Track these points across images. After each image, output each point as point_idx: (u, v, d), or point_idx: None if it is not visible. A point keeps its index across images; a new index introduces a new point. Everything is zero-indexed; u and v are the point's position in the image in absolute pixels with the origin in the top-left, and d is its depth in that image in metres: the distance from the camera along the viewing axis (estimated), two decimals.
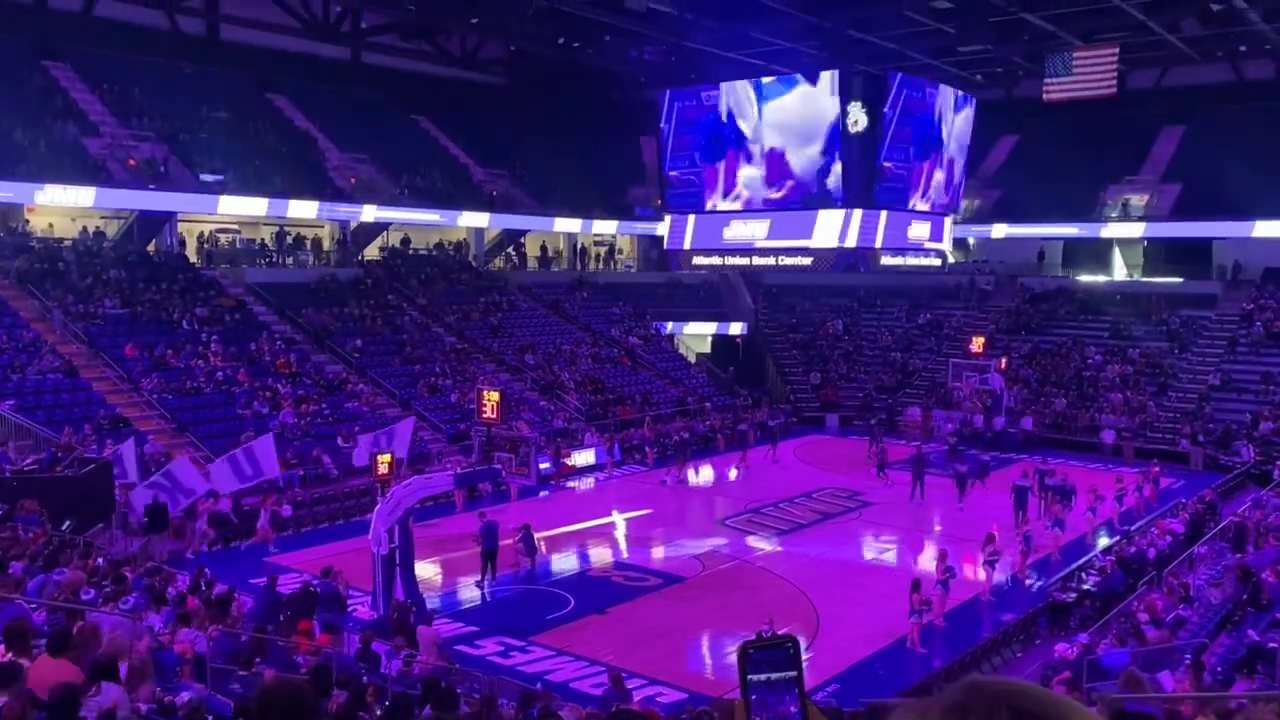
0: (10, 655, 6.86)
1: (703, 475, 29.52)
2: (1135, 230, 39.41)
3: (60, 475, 17.82)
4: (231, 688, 9.16)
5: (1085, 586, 18.17)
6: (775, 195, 29.70)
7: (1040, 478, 23.88)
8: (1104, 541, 21.73)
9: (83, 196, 28.39)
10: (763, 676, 1.28)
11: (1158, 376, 34.20)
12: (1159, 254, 39.98)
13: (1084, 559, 20.03)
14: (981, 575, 18.74)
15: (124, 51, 33.73)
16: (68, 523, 15.73)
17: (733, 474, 29.50)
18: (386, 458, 23.17)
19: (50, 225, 30.10)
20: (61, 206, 28.96)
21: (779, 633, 14.02)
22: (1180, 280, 38.04)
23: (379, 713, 8.91)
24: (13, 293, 26.73)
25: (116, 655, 7.69)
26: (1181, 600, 15.41)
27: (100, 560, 13.70)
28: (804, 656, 1.35)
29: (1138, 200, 39.56)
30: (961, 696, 1.03)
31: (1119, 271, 41.10)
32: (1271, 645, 11.35)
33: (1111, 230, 39.77)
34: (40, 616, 9.56)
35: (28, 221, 29.61)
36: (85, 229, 30.53)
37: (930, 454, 28.18)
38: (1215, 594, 15.62)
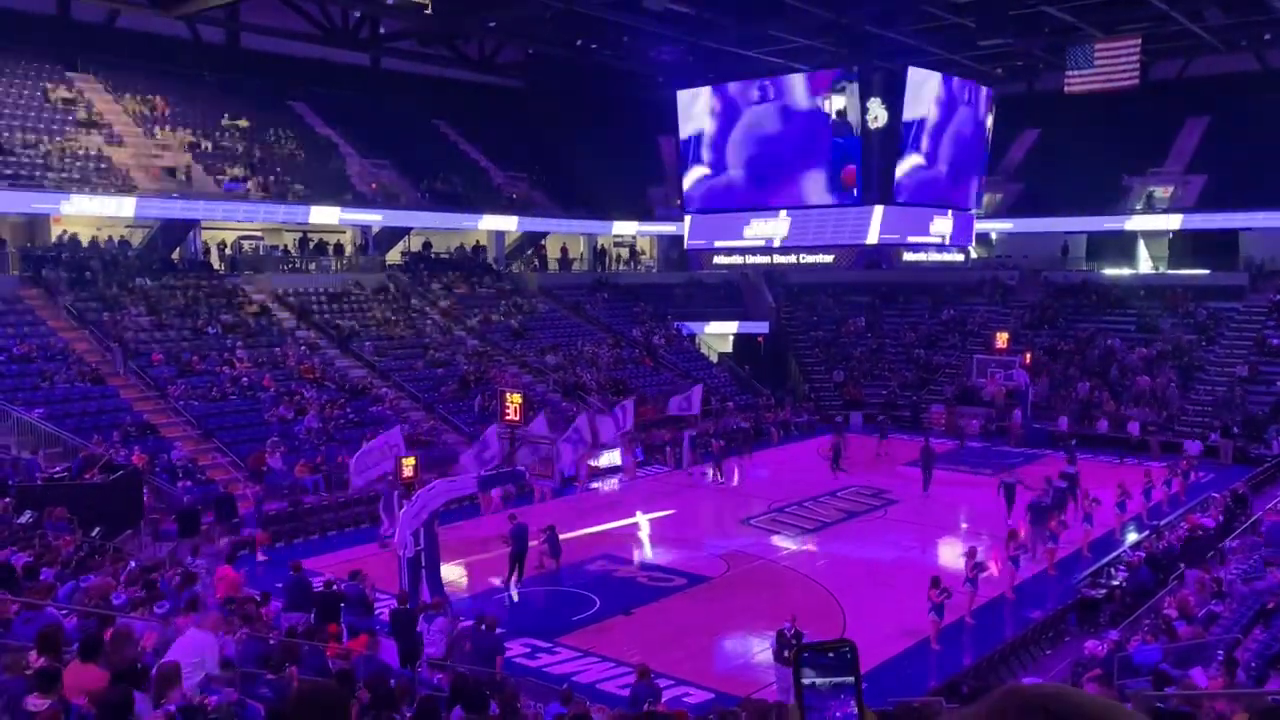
0: (43, 661, 6.94)
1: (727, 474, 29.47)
2: (1160, 222, 39.04)
3: (89, 482, 18.00)
4: (261, 691, 9.20)
5: (1115, 582, 18.00)
6: (795, 192, 29.61)
7: (1007, 489, 22.73)
8: (1133, 537, 21.55)
9: (108, 206, 28.71)
10: (818, 680, 1.24)
11: (1184, 368, 33.83)
12: (1185, 246, 39.56)
13: (1113, 555, 19.86)
14: (1004, 570, 18.60)
15: (146, 61, 34.06)
16: (97, 529, 15.88)
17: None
18: (411, 461, 23.25)
19: (77, 235, 30.39)
20: (87, 216, 29.27)
21: (799, 628, 13.96)
22: (1207, 272, 37.61)
23: (408, 715, 8.92)
24: (41, 302, 27.04)
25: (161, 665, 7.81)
26: (1213, 595, 15.23)
27: (134, 563, 13.84)
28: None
29: (1162, 192, 39.21)
30: (1000, 703, 1.02)
31: (1144, 264, 40.70)
32: None
33: (1136, 223, 39.40)
34: (71, 622, 9.65)
35: (65, 231, 29.87)
36: (111, 238, 30.83)
37: (957, 451, 28.06)
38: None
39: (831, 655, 1.26)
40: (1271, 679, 10.32)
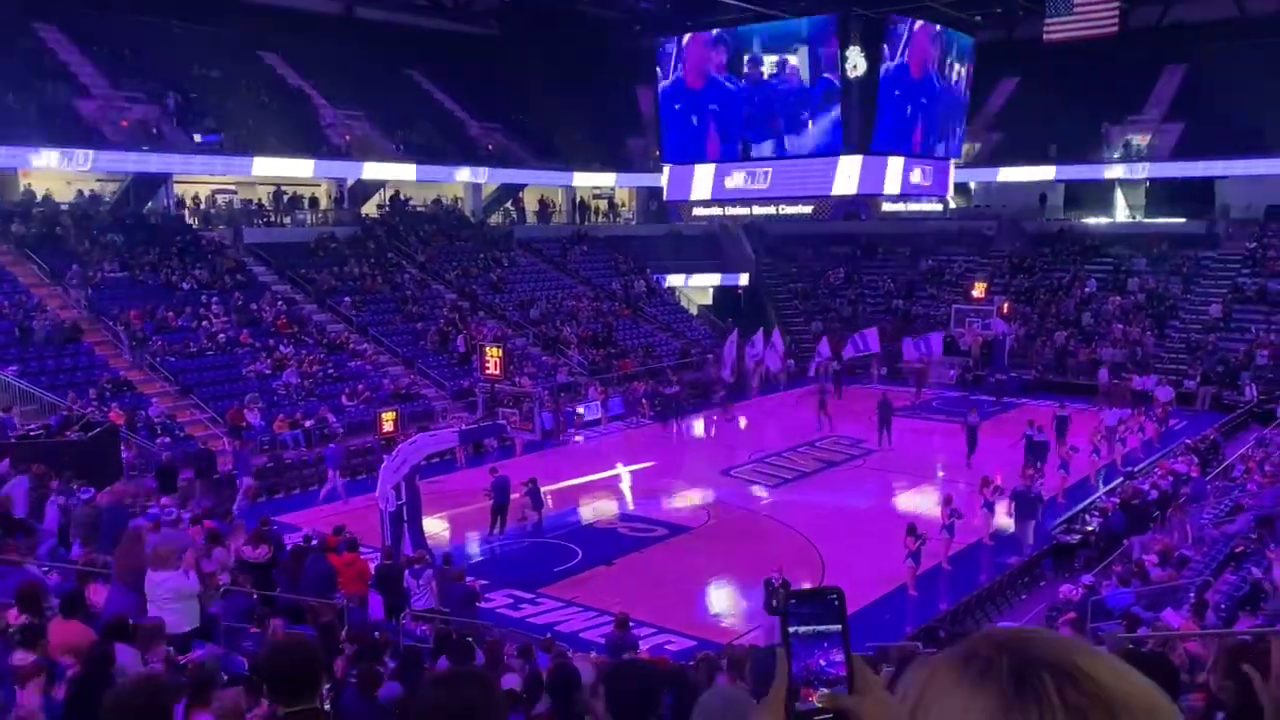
0: (24, 618, 6.94)
1: (702, 427, 29.62)
2: (1137, 171, 39.09)
3: (66, 439, 17.89)
4: (244, 645, 9.26)
5: (1089, 528, 18.27)
6: (774, 143, 29.42)
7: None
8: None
9: (76, 160, 28.20)
10: (804, 629, 1.23)
11: (1158, 316, 34.09)
12: (1161, 194, 39.68)
13: (1088, 501, 20.14)
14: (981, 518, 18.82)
15: (113, 12, 33.29)
16: (75, 486, 15.79)
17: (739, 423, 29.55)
18: (391, 415, 23.28)
19: (47, 190, 29.90)
20: (56, 170, 28.77)
21: (786, 577, 14.09)
22: (1183, 220, 37.79)
23: (392, 666, 9.00)
24: (11, 258, 26.66)
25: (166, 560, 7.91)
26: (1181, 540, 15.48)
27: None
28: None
29: (1140, 140, 39.22)
30: (967, 647, 1.04)
31: (1121, 213, 40.82)
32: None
33: (1113, 171, 39.45)
34: (53, 580, 9.66)
35: (29, 185, 29.40)
36: (81, 192, 30.35)
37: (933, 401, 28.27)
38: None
39: (819, 603, 1.26)
40: (1241, 619, 10.55)
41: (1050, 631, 1.09)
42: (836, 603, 1.25)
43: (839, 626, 1.24)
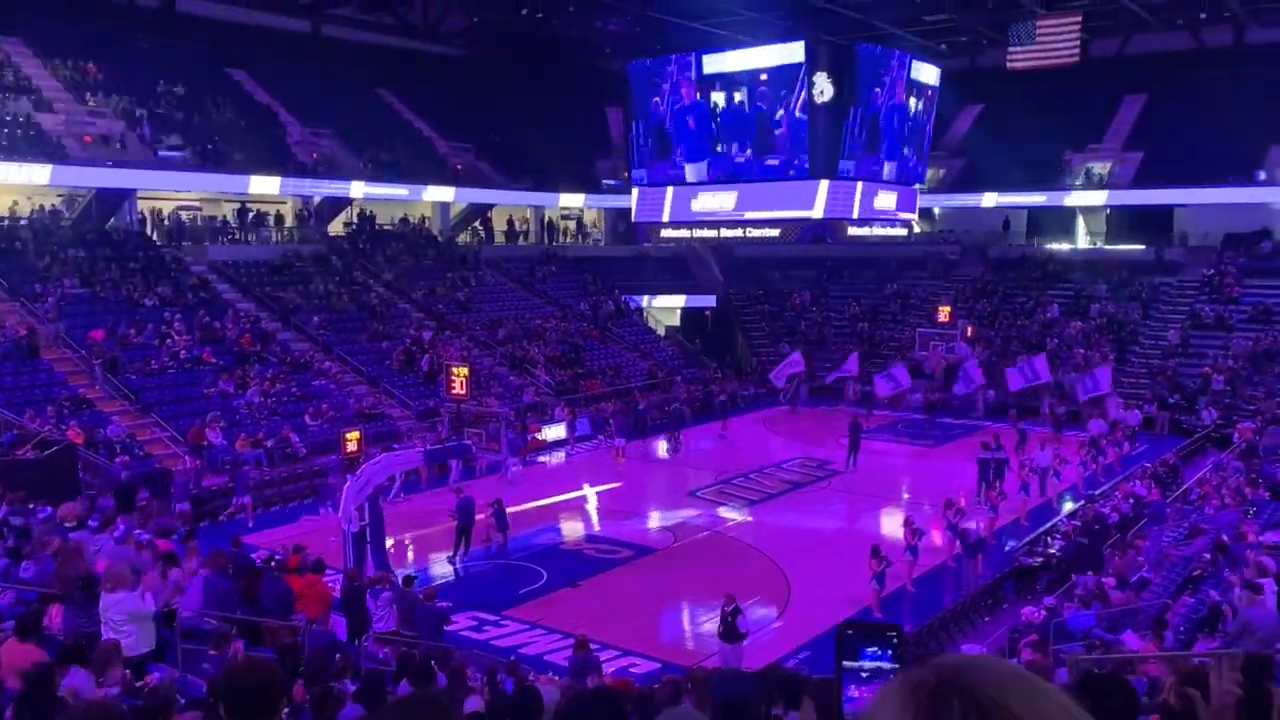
0: None
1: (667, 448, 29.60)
2: (1098, 198, 39.75)
3: (21, 458, 17.57)
4: (203, 667, 9.10)
5: (1051, 551, 18.42)
6: (743, 166, 29.62)
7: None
8: (1069, 506, 22.06)
9: (38, 174, 27.84)
10: (857, 664, 1.21)
11: (1119, 342, 34.56)
12: (1122, 221, 40.39)
13: (1049, 524, 20.32)
14: (942, 541, 18.92)
15: (79, 26, 32.99)
16: (31, 506, 15.50)
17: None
18: (355, 435, 23.06)
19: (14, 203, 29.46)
20: (17, 185, 28.37)
21: (737, 605, 13.98)
22: (1142, 247, 38.45)
23: (351, 689, 8.88)
24: None
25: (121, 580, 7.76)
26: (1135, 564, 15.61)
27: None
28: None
29: (1101, 168, 39.90)
30: (906, 672, 1.09)
31: (1082, 239, 41.48)
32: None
33: (1075, 198, 40.10)
34: (6, 599, 9.46)
35: None
36: (42, 207, 29.94)
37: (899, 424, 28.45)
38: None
39: (876, 639, 1.24)
40: (1199, 641, 10.67)
41: (988, 661, 1.11)
42: (895, 640, 1.24)
43: (895, 665, 1.23)
